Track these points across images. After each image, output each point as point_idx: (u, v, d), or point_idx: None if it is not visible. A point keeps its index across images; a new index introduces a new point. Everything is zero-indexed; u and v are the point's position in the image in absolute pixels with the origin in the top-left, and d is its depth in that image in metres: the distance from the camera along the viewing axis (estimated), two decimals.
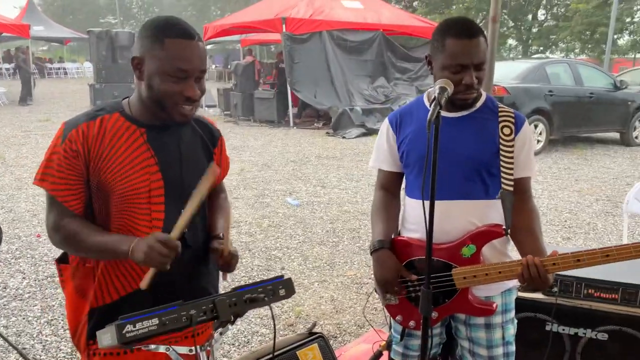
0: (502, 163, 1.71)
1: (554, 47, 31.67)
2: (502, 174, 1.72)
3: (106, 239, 1.41)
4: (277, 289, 1.33)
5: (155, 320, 1.18)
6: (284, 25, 11.91)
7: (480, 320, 1.78)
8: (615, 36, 24.16)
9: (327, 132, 11.43)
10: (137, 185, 1.44)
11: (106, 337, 1.18)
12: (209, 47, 23.84)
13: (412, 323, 1.81)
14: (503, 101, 8.40)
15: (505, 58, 26.49)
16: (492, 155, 1.71)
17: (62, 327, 3.24)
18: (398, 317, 1.84)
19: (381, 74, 13.31)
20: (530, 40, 32.30)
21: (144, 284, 1.33)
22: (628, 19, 28.29)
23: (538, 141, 9.22)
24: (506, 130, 1.73)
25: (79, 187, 1.43)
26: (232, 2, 41.67)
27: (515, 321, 1.85)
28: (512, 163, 1.71)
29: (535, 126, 9.10)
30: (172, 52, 1.36)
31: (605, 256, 1.55)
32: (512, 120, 1.74)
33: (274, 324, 1.34)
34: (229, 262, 1.52)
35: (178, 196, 1.49)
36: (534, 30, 32.43)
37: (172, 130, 1.51)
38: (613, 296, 2.12)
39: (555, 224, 5.40)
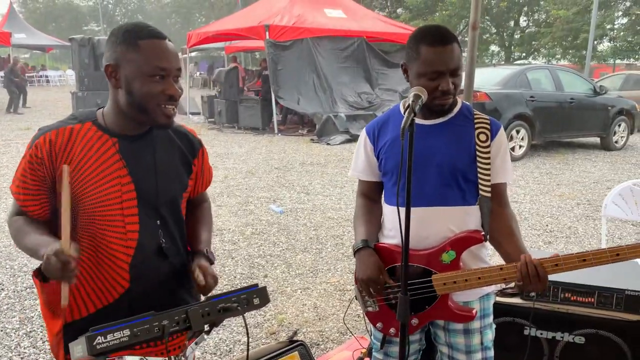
0: (478, 169, 1.73)
1: (535, 53, 32.04)
2: (479, 180, 1.73)
3: (37, 240, 1.38)
4: (251, 298, 1.32)
5: (127, 332, 1.16)
6: (267, 33, 11.94)
7: (459, 325, 1.78)
8: (596, 42, 24.52)
9: (311, 139, 11.44)
10: (108, 196, 1.42)
11: (78, 349, 1.16)
12: (192, 54, 23.76)
13: (392, 330, 1.81)
14: (485, 107, 8.49)
15: (487, 64, 26.76)
16: (468, 162, 1.73)
17: (41, 339, 3.19)
18: (378, 325, 1.84)
19: (365, 80, 13.37)
20: (512, 47, 32.69)
21: (63, 301, 1.26)
22: (609, 26, 28.77)
23: (520, 146, 9.33)
24: (482, 137, 1.75)
25: (40, 193, 1.42)
26: (217, 10, 41.65)
27: (494, 326, 1.86)
28: (488, 169, 1.73)
29: (517, 131, 9.20)
30: (149, 53, 1.37)
31: (582, 260, 1.56)
32: (488, 126, 1.76)
33: (247, 334, 1.33)
34: (204, 289, 1.49)
35: (153, 207, 1.48)
36: (516, 36, 32.83)
37: (146, 140, 1.49)
38: (589, 300, 2.15)
39: (537, 229, 5.45)
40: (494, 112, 8.47)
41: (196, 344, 1.41)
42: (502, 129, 1.78)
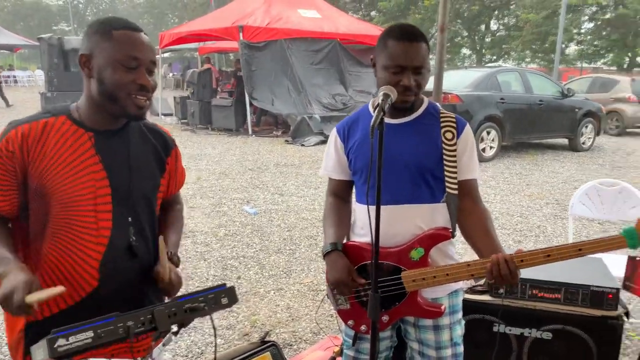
0: (445, 167, 1.74)
1: (506, 56, 32.65)
2: (446, 178, 1.75)
3: None
4: (219, 297, 1.30)
5: (90, 333, 1.13)
6: (241, 34, 11.88)
7: (429, 322, 1.80)
8: (564, 46, 25.09)
9: (286, 140, 11.41)
10: (81, 192, 1.40)
11: (39, 352, 1.13)
12: (165, 55, 23.50)
13: (363, 327, 1.82)
14: (456, 109, 8.60)
15: (459, 67, 27.13)
16: (435, 160, 1.74)
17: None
18: (350, 322, 1.84)
19: (339, 82, 13.41)
20: (483, 50, 33.24)
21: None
22: (575, 30, 29.47)
23: (491, 147, 9.47)
24: (448, 135, 1.76)
25: (10, 188, 1.38)
26: (190, 10, 41.28)
27: (463, 322, 1.88)
28: (455, 166, 1.75)
29: (488, 133, 9.35)
30: (122, 41, 1.37)
31: (546, 256, 1.59)
32: (454, 124, 1.78)
33: (215, 334, 1.32)
34: (169, 289, 1.48)
35: (126, 203, 1.46)
36: (487, 40, 33.40)
37: (121, 135, 1.47)
38: (556, 296, 2.19)
39: (507, 228, 5.54)
40: (465, 114, 8.58)
41: (164, 345, 1.39)
42: (467, 126, 1.81)
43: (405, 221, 1.74)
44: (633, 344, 3.11)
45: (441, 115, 1.79)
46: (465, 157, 1.77)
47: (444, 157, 1.74)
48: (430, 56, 1.87)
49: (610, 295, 2.10)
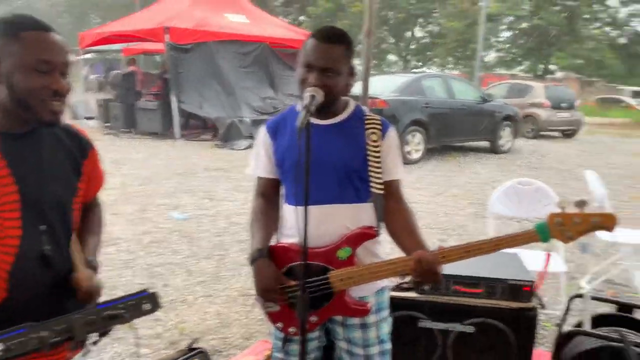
0: (371, 168, 1.78)
1: (430, 62, 33.87)
2: (372, 178, 1.78)
3: None
4: (140, 303, 1.26)
5: (0, 346, 1.06)
6: (167, 35, 11.58)
7: (356, 320, 1.82)
8: (484, 53, 26.37)
9: (215, 144, 11.24)
10: None
11: None
12: (87, 56, 22.49)
13: (292, 329, 1.81)
14: (383, 113, 8.81)
15: (387, 72, 27.83)
16: (361, 161, 1.77)
17: None
18: (279, 324, 1.83)
19: (269, 85, 13.38)
20: (409, 56, 34.31)
21: None
22: (494, 39, 31.07)
23: (416, 150, 9.78)
24: (373, 137, 1.80)
25: None
26: (113, 10, 39.76)
27: (390, 319, 1.92)
28: (380, 167, 1.78)
29: (414, 136, 9.64)
30: (31, 44, 1.28)
31: (466, 251, 1.66)
32: (379, 126, 1.82)
33: (137, 343, 1.27)
34: (87, 297, 1.40)
35: (37, 210, 1.37)
36: (413, 46, 34.51)
37: (32, 138, 1.38)
38: (478, 290, 2.28)
39: (432, 227, 5.73)
40: (392, 118, 8.80)
41: (83, 355, 1.32)
42: (392, 129, 1.85)
43: (333, 221, 1.76)
44: (548, 333, 3.30)
45: (367, 117, 1.83)
46: (389, 159, 1.81)
47: (369, 158, 1.78)
48: (358, 61, 1.91)
49: (526, 288, 2.22)
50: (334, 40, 1.68)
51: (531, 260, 2.92)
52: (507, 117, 11.66)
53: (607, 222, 1.61)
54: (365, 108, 1.91)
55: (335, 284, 1.73)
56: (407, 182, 7.16)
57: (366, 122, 1.81)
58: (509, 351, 2.24)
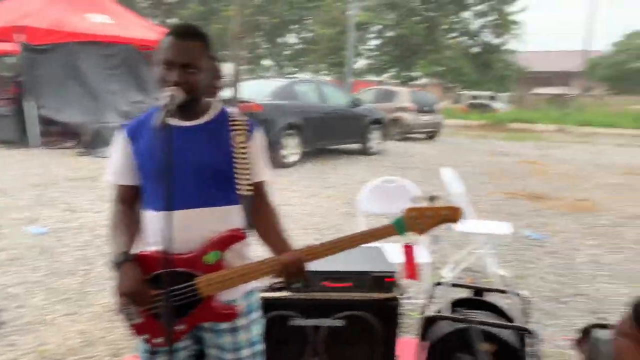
0: (237, 169, 1.77)
1: (304, 68, 34.59)
2: (239, 180, 1.77)
3: None
4: None
5: None
6: (21, 35, 10.58)
7: (225, 325, 1.79)
8: (355, 60, 27.50)
9: (78, 152, 10.48)
10: None
11: None
12: None
13: (158, 340, 1.74)
14: (258, 117, 8.84)
15: (263, 77, 27.96)
16: (227, 163, 1.75)
17: None
18: (144, 336, 1.75)
19: (137, 88, 12.75)
20: (284, 61, 34.78)
21: None
22: (364, 47, 32.53)
23: (292, 154, 9.92)
24: (240, 138, 1.79)
25: None
26: None
27: (262, 321, 1.91)
28: (247, 169, 1.78)
29: (289, 140, 9.79)
30: None
31: (331, 248, 1.71)
32: (245, 127, 1.81)
33: None
34: None
35: None
36: (287, 52, 35.02)
37: None
38: (346, 284, 2.36)
39: (307, 228, 5.84)
40: (267, 122, 8.85)
41: None
42: (259, 130, 1.86)
43: (199, 226, 1.72)
44: (415, 321, 3.51)
45: (232, 119, 1.81)
46: (257, 160, 1.81)
47: (236, 160, 1.76)
48: (229, 65, 1.88)
49: (388, 279, 2.35)
50: (191, 36, 1.65)
51: (392, 252, 3.09)
52: (376, 121, 12.27)
53: (454, 214, 1.75)
54: (232, 109, 1.90)
55: (202, 289, 1.69)
56: (284, 184, 7.27)
57: (232, 123, 1.80)
58: (376, 341, 2.35)
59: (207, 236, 1.72)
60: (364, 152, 12.04)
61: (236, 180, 1.76)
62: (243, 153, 1.77)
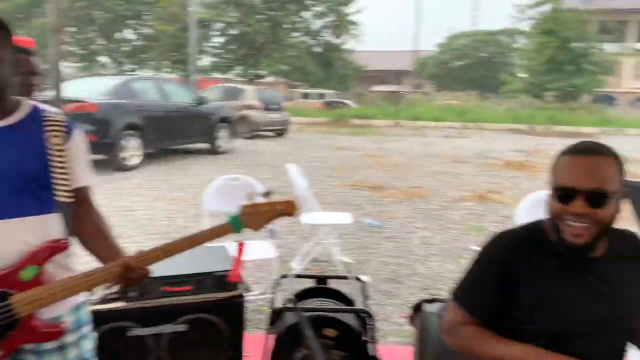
0: (54, 174, 1.62)
1: (145, 65, 32.98)
2: (57, 186, 1.63)
3: None
4: None
5: None
6: None
7: (51, 344, 1.64)
8: (199, 57, 26.88)
9: None
10: None
11: None
12: None
13: None
14: (94, 117, 8.25)
15: (94, 74, 26.10)
16: (41, 167, 1.60)
17: None
18: None
19: None
20: (121, 58, 32.85)
21: None
22: (207, 44, 31.97)
23: (134, 156, 9.42)
24: (55, 140, 1.65)
25: None
26: None
27: (94, 334, 1.79)
28: (66, 173, 1.64)
29: (130, 141, 9.27)
30: None
31: (164, 251, 1.65)
32: (62, 128, 1.67)
33: None
34: None
35: None
36: (125, 48, 33.12)
37: None
38: (188, 287, 2.31)
39: (153, 233, 5.60)
40: (104, 123, 8.31)
41: None
42: (78, 130, 1.72)
43: (11, 239, 1.55)
44: (265, 316, 3.55)
45: (47, 118, 1.66)
46: (77, 163, 1.68)
47: (52, 164, 1.62)
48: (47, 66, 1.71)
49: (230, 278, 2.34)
50: None
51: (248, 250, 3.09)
52: (223, 119, 12.14)
53: (290, 208, 1.79)
54: (46, 107, 1.73)
55: (19, 309, 1.53)
56: (126, 188, 6.86)
57: (46, 123, 1.64)
58: (222, 341, 2.33)
59: (22, 249, 1.56)
60: (213, 151, 11.85)
61: (54, 187, 1.62)
62: (60, 156, 1.63)
